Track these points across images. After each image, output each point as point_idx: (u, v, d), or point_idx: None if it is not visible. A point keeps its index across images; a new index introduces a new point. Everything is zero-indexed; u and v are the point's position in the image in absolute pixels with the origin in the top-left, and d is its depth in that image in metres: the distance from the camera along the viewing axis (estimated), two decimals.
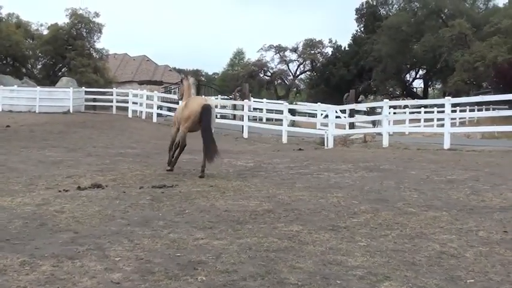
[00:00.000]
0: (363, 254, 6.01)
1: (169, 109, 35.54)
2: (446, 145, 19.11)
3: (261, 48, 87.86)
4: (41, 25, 65.96)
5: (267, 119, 37.36)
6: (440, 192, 9.79)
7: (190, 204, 8.76)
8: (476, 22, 65.10)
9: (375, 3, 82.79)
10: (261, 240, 6.49)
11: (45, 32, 63.46)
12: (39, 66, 66.36)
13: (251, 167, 13.71)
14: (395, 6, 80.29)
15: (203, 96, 19.57)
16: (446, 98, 23.14)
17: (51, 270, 5.32)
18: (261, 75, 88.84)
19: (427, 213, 8.05)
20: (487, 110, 42.43)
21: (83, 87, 42.56)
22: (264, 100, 46.07)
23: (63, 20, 62.29)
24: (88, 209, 8.25)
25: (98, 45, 63.69)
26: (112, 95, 41.88)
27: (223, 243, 6.39)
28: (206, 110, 12.61)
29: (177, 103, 34.12)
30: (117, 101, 41.02)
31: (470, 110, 42.45)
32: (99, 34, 62.32)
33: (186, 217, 7.82)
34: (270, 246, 6.27)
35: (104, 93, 44.21)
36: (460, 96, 42.39)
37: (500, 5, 74.58)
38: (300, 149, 21.13)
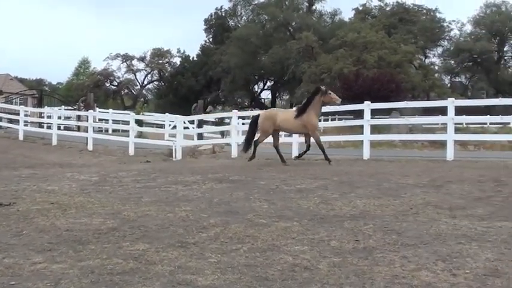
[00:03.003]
0: (214, 271, 5.69)
1: (11, 121, 33.70)
2: (295, 154, 19.29)
3: (108, 57, 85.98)
4: None
5: (113, 130, 36.36)
6: (291, 202, 9.70)
7: (28, 224, 8.07)
8: (323, 35, 67.52)
9: (223, 15, 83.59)
10: (105, 262, 6.01)
11: None
12: None
13: (95, 181, 13.05)
14: (244, 17, 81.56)
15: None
16: (294, 108, 23.45)
17: None
18: (107, 85, 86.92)
19: (278, 224, 7.88)
20: (333, 120, 43.78)
21: None
22: (110, 110, 44.97)
23: None
24: None
25: None
26: None
27: (63, 267, 5.86)
28: None
29: (19, 114, 32.45)
30: None
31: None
32: None
33: (24, 239, 7.17)
34: (114, 268, 5.80)
35: None
36: None
37: (346, 19, 78.21)
38: (147, 161, 20.70)
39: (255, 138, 17.56)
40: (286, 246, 6.68)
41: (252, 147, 17.39)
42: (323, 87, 17.17)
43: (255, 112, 41.55)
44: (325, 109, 26.51)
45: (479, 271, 5.60)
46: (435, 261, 5.92)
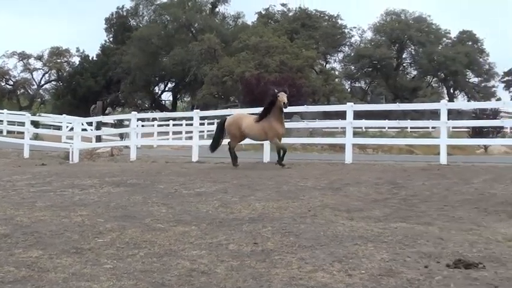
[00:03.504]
0: (109, 277, 5.55)
1: None
2: (195, 158, 19.24)
3: (3, 55, 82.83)
4: None
5: (8, 132, 35.15)
6: (189, 206, 9.63)
7: None
8: (226, 38, 67.73)
9: (125, 14, 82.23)
10: None
11: None
12: None
13: None
14: (145, 18, 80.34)
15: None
16: (195, 111, 23.34)
17: None
18: (3, 84, 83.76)
19: (176, 229, 7.80)
20: None
21: None
22: (5, 111, 43.43)
23: None
24: None
25: None
26: None
27: None
28: None
29: None
30: None
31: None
32: None
33: None
34: (5, 277, 5.56)
35: None
36: (208, 109, 43.60)
37: (249, 22, 78.64)
38: (43, 164, 20.12)
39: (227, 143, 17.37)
40: (183, 251, 6.60)
41: (231, 154, 17.11)
42: (276, 90, 16.28)
43: (157, 114, 41.33)
44: (225, 112, 26.46)
45: (374, 271, 5.69)
46: (331, 263, 5.99)
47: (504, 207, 9.47)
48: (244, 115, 17.68)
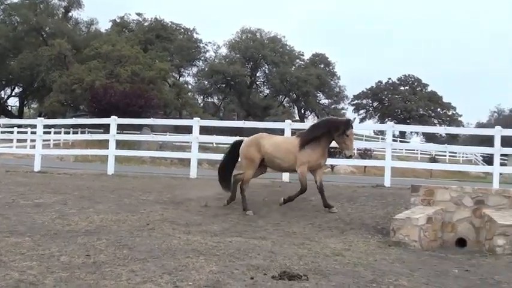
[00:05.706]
0: None
1: None
2: (37, 167, 18.65)
3: None
4: None
5: None
6: (26, 217, 9.51)
7: None
8: (77, 44, 65.72)
9: None
10: None
11: None
12: None
13: None
14: None
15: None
16: (39, 118, 22.68)
17: None
18: None
19: (8, 240, 7.70)
20: (82, 133, 43.06)
21: None
22: None
23: None
24: None
25: None
26: None
27: None
28: None
29: None
30: None
31: (66, 132, 42.44)
32: None
33: None
34: None
35: None
36: (56, 118, 42.45)
37: (103, 30, 76.92)
38: None
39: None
40: (14, 262, 6.54)
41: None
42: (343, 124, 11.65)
43: (0, 120, 39.42)
44: (72, 121, 25.72)
45: (201, 283, 5.93)
46: (161, 275, 6.16)
47: (337, 224, 10.09)
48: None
